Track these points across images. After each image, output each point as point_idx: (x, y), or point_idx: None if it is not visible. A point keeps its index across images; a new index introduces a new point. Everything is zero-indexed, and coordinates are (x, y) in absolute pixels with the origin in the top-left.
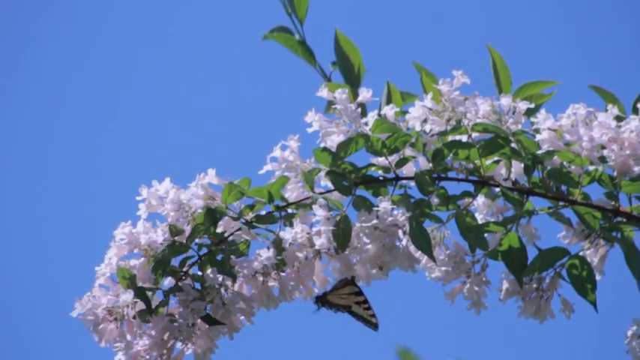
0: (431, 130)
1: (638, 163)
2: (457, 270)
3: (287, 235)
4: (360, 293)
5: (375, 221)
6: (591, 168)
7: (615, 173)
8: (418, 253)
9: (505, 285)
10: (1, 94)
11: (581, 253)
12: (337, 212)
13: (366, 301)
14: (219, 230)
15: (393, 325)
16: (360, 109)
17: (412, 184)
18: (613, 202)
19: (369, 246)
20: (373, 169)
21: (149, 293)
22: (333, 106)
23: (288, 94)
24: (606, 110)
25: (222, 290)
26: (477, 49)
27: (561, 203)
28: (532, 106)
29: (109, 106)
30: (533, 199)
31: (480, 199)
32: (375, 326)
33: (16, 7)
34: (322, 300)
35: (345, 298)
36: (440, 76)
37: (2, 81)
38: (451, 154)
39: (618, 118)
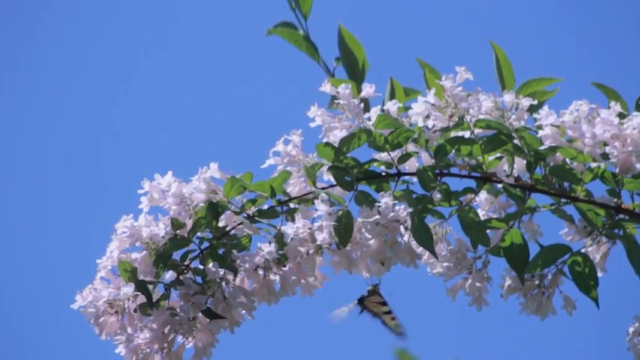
0: (433, 126)
1: None
2: (459, 266)
3: (289, 229)
4: (384, 303)
5: (376, 217)
6: (593, 165)
7: (617, 170)
8: (420, 249)
9: (507, 281)
10: (2, 92)
11: (583, 250)
12: (339, 207)
13: (390, 312)
14: (220, 224)
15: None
16: (362, 105)
17: (414, 179)
18: (615, 199)
19: (371, 241)
20: (375, 164)
21: (150, 286)
22: (336, 101)
23: (291, 89)
24: (609, 107)
25: (224, 284)
26: (480, 45)
27: (563, 200)
28: (535, 102)
29: (111, 99)
30: (535, 196)
31: (482, 196)
32: (401, 335)
33: (16, 7)
34: (363, 304)
35: (375, 306)
36: (443, 72)
37: (3, 80)
38: (453, 150)
39: (621, 115)
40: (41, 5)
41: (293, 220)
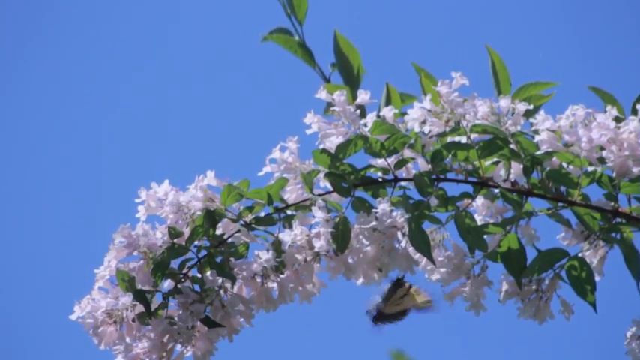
0: (430, 132)
1: (637, 164)
2: (457, 271)
3: (286, 236)
4: (410, 287)
5: (374, 223)
6: (590, 169)
7: (614, 174)
8: (417, 255)
9: (504, 286)
10: (1, 95)
11: (580, 254)
12: (336, 214)
13: (418, 289)
14: (218, 232)
15: (387, 327)
16: (359, 111)
17: (411, 185)
18: (612, 203)
19: (368, 248)
20: (372, 170)
21: (148, 296)
22: (332, 108)
23: (287, 96)
24: (605, 111)
25: (222, 292)
26: (476, 50)
27: (560, 204)
28: (531, 107)
29: (107, 108)
30: (532, 200)
31: (479, 201)
32: (432, 307)
33: (17, 8)
34: (380, 318)
35: (401, 302)
36: (439, 77)
37: (3, 83)
38: (450, 156)
39: (617, 119)
40: (41, 6)
41: (290, 227)
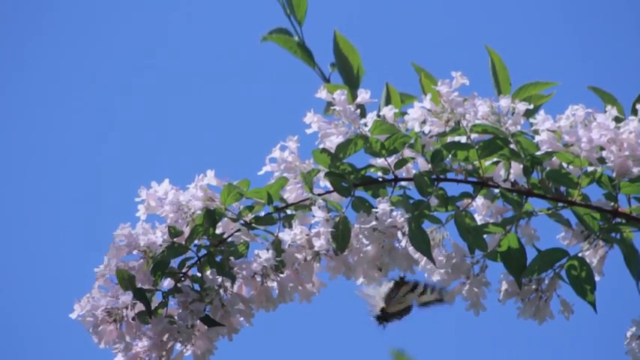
0: (430, 132)
1: (637, 164)
2: (456, 271)
3: (286, 236)
4: (415, 286)
5: (373, 222)
6: (590, 169)
7: (614, 174)
8: (417, 254)
9: (504, 286)
10: (2, 97)
11: (580, 254)
12: (336, 213)
13: (426, 287)
14: (218, 231)
15: (391, 325)
16: (359, 111)
17: (411, 185)
18: (612, 203)
19: (368, 247)
20: (372, 170)
21: (148, 294)
22: (332, 108)
23: (287, 96)
24: (605, 111)
25: (222, 291)
26: (476, 50)
27: (560, 204)
28: (531, 107)
29: (108, 107)
30: (532, 200)
31: (479, 200)
32: (442, 301)
33: (17, 8)
34: (385, 317)
35: (404, 300)
36: (439, 77)
37: (3, 83)
38: (450, 155)
39: (617, 119)
40: (41, 6)
41: (290, 226)
